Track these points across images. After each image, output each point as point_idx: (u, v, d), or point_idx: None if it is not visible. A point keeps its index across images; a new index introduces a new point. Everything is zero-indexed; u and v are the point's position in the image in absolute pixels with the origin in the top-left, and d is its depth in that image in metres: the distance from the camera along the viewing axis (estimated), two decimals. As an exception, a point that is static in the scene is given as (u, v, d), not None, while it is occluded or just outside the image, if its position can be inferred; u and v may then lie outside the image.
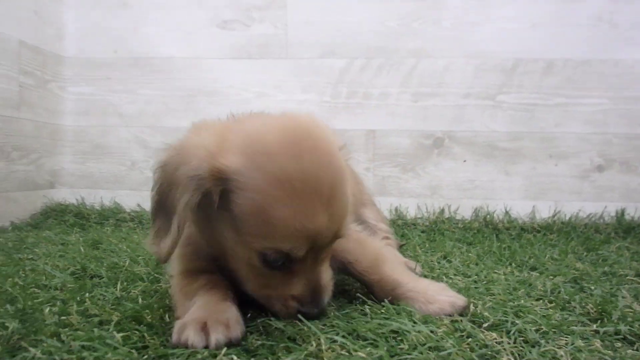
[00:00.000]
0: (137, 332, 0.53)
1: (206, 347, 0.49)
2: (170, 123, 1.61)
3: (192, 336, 0.50)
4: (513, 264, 0.95)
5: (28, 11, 1.47)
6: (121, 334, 0.51)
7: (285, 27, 1.57)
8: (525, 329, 0.54)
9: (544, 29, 1.51)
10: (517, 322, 0.56)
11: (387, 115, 1.56)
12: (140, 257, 0.95)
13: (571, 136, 1.52)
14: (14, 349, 0.50)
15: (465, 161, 1.55)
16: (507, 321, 0.56)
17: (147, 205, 1.61)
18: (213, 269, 0.63)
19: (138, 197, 1.62)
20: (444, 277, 0.83)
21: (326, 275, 0.59)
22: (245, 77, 1.59)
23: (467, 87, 1.53)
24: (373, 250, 0.68)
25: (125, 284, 0.75)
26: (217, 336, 0.50)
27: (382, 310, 0.60)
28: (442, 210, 1.52)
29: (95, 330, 0.53)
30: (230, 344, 0.50)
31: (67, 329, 0.54)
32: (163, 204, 0.56)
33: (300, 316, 0.56)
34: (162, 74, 1.61)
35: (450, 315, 0.59)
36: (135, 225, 1.46)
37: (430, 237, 1.30)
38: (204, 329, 0.51)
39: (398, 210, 1.53)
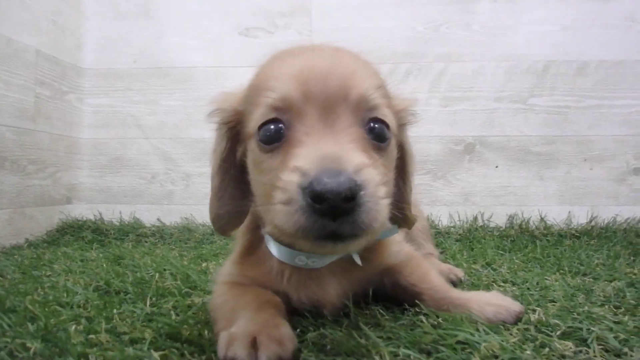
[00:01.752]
0: (175, 350, 0.48)
1: None
2: (192, 134, 1.57)
3: (240, 352, 0.43)
4: (561, 270, 0.91)
5: (46, 20, 1.43)
6: (159, 353, 0.46)
7: (310, 33, 1.54)
8: (605, 336, 0.49)
9: (576, 30, 1.48)
10: (592, 329, 0.51)
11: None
12: (167, 271, 0.89)
13: (606, 139, 1.48)
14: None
15: (497, 167, 1.50)
16: (580, 329, 0.52)
17: (168, 219, 1.56)
18: (266, 280, 0.58)
19: (158, 212, 1.57)
20: (493, 284, 0.79)
21: (356, 155, 0.42)
22: (269, 85, 1.55)
23: (498, 90, 1.50)
24: (423, 262, 0.66)
25: (154, 299, 0.69)
26: (267, 353, 0.43)
27: (440, 320, 0.54)
28: (475, 218, 1.47)
29: (129, 349, 0.47)
30: None
31: (95, 349, 0.48)
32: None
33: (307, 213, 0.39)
34: (184, 84, 1.57)
35: (506, 322, 0.55)
36: (157, 241, 1.40)
37: (467, 246, 1.24)
38: (254, 344, 0.44)
39: (430, 219, 1.48)
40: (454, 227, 1.44)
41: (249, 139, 0.50)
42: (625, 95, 1.47)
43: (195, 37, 1.57)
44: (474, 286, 0.79)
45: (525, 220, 1.43)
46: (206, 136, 1.62)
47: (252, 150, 0.49)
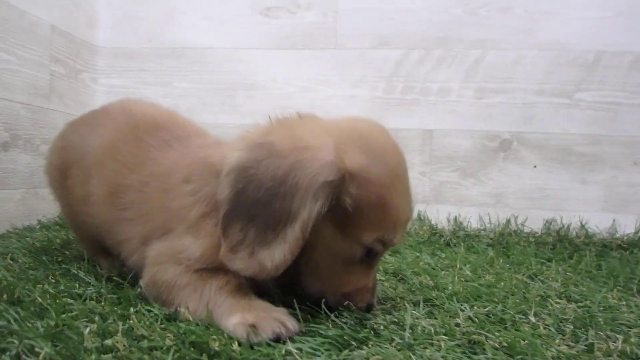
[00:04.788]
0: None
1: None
2: (205, 119, 1.49)
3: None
4: (619, 287, 0.80)
5: (60, -6, 1.37)
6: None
7: (335, 14, 1.43)
8: None
9: (632, 18, 1.32)
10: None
11: (447, 113, 1.39)
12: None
13: (661, 141, 1.32)
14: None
15: (535, 167, 1.37)
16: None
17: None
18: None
19: (170, 198, 1.50)
20: (548, 300, 0.69)
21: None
22: (289, 70, 1.45)
23: (539, 82, 1.36)
24: None
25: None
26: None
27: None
28: (508, 221, 1.34)
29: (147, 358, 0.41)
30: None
31: (110, 355, 0.43)
32: (249, 211, 0.51)
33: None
34: (198, 66, 1.49)
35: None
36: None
37: (501, 252, 1.13)
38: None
39: (457, 220, 1.36)
40: (484, 230, 1.31)
41: (350, 235, 0.55)
42: (686, 92, 1.31)
43: (211, 17, 1.48)
44: (526, 301, 0.69)
45: (565, 227, 1.30)
46: (220, 121, 1.54)
47: (353, 252, 0.56)
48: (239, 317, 0.49)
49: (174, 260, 0.57)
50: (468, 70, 1.38)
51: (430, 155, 1.40)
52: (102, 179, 0.71)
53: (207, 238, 0.56)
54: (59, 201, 0.86)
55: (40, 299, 0.58)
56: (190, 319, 0.52)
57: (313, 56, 1.44)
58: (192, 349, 0.44)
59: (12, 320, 0.49)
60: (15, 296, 0.59)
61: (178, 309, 0.54)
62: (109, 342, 0.45)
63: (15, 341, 0.44)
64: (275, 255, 0.50)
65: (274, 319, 0.49)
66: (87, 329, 0.48)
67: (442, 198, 1.39)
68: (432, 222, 1.34)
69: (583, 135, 1.35)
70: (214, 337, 0.47)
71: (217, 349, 0.44)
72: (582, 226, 1.31)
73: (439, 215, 1.37)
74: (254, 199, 0.51)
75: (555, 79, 1.35)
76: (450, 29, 1.39)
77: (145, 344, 0.45)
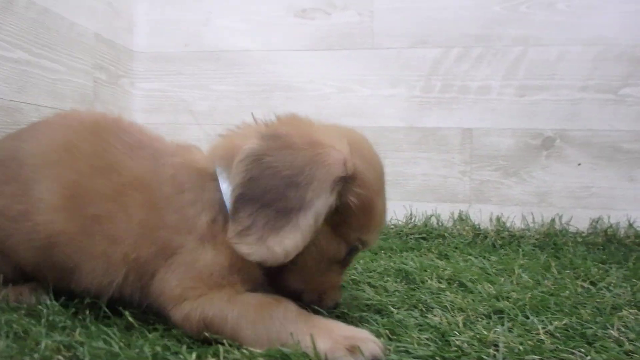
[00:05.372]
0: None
1: None
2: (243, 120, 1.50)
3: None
4: None
5: (102, 2, 1.39)
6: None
7: (371, 14, 1.42)
8: None
9: (682, 9, 1.28)
10: None
11: (487, 111, 1.37)
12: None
13: None
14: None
15: (579, 164, 1.33)
16: None
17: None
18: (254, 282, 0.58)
19: (207, 200, 1.51)
20: (622, 310, 0.65)
21: None
22: (325, 71, 1.45)
23: (584, 79, 1.32)
24: None
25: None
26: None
27: None
28: (553, 221, 1.31)
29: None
30: None
31: None
32: (262, 197, 0.51)
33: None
34: (236, 69, 1.50)
35: None
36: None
37: (551, 253, 1.10)
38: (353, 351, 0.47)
39: (500, 219, 1.34)
40: (528, 230, 1.29)
41: (341, 235, 0.57)
42: None
43: (246, 20, 1.49)
44: (599, 312, 0.66)
45: (613, 227, 1.26)
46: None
47: (339, 251, 0.58)
48: (328, 340, 0.47)
49: (206, 286, 0.53)
50: (509, 67, 1.36)
51: (471, 154, 1.38)
52: (56, 181, 0.60)
53: (225, 245, 0.53)
54: None
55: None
56: (260, 350, 0.49)
57: (349, 56, 1.44)
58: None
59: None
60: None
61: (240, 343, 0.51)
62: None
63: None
64: (286, 242, 0.49)
65: (364, 339, 0.48)
66: None
67: (483, 197, 1.37)
68: (475, 223, 1.32)
69: (630, 132, 1.31)
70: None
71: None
72: (631, 225, 1.28)
73: (482, 215, 1.35)
74: (268, 186, 0.50)
75: (600, 74, 1.32)
76: (489, 27, 1.37)
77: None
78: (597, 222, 1.30)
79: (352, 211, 0.54)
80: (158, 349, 0.49)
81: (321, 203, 0.50)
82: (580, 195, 1.34)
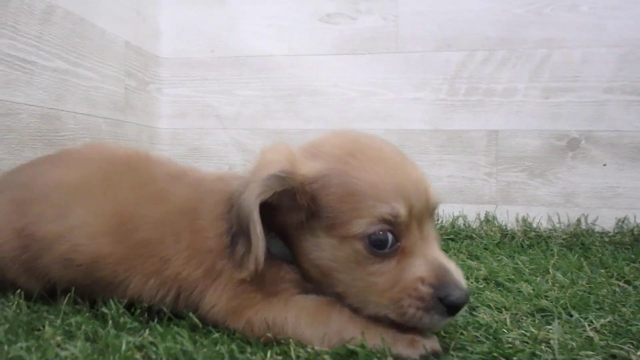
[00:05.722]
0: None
1: None
2: (269, 125, 1.52)
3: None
4: None
5: (130, 10, 1.42)
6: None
7: (395, 18, 1.44)
8: None
9: None
10: None
11: (513, 113, 1.39)
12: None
13: None
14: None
15: (605, 165, 1.35)
16: None
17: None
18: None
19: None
20: None
21: (448, 259, 0.54)
22: (350, 75, 1.47)
23: (608, 80, 1.34)
24: None
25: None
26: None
27: None
28: (579, 221, 1.33)
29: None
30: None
31: None
32: (238, 230, 0.55)
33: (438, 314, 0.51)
34: (261, 74, 1.52)
35: None
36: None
37: (581, 253, 1.11)
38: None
39: (526, 220, 1.35)
40: (554, 230, 1.30)
41: (344, 236, 0.53)
42: None
43: (271, 25, 1.51)
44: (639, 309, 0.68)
45: (639, 226, 1.28)
46: (283, 127, 1.57)
47: (356, 251, 0.53)
48: (389, 337, 0.51)
49: (261, 295, 0.57)
50: (534, 70, 1.37)
51: (497, 156, 1.40)
52: (99, 209, 0.64)
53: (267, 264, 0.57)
54: None
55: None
56: (325, 349, 0.52)
57: (374, 60, 1.46)
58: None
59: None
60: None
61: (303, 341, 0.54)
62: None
63: None
64: (253, 255, 0.53)
65: (422, 336, 0.52)
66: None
67: (510, 199, 1.39)
68: (501, 223, 1.34)
69: (655, 132, 1.33)
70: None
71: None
72: (657, 225, 1.29)
73: (508, 216, 1.36)
74: (238, 218, 0.55)
75: (624, 76, 1.33)
76: (513, 29, 1.38)
77: None
78: (623, 221, 1.31)
79: (333, 206, 0.53)
80: (233, 346, 0.52)
81: (253, 200, 0.52)
82: (606, 196, 1.35)
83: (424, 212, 0.54)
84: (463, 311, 0.53)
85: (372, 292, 0.53)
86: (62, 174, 0.69)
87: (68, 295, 0.65)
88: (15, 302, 0.64)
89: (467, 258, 1.07)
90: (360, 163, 0.54)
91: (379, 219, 0.51)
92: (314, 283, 0.57)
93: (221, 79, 1.55)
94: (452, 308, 0.50)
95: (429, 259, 0.52)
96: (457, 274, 0.52)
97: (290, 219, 0.56)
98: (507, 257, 1.05)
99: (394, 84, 1.45)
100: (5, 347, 0.50)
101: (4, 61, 0.96)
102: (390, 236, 0.52)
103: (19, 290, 0.66)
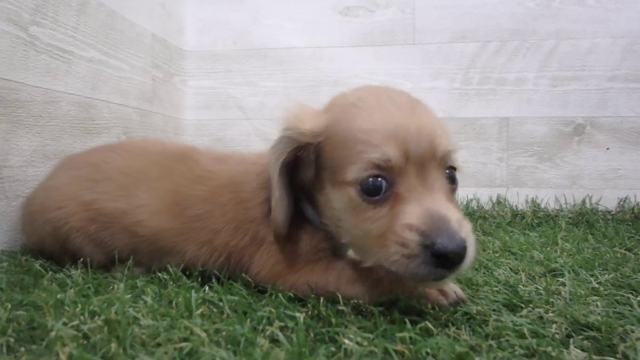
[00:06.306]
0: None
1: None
2: (291, 115, 1.59)
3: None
4: None
5: (156, 3, 1.47)
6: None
7: (412, 11, 1.51)
8: None
9: None
10: None
11: (523, 101, 1.48)
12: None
13: None
14: None
15: (608, 149, 1.45)
16: None
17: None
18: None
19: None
20: None
21: (453, 211, 0.50)
22: (370, 66, 1.54)
23: (612, 69, 1.43)
24: None
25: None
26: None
27: None
28: (584, 202, 1.44)
29: None
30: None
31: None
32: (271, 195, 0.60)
33: (427, 267, 0.47)
34: (283, 65, 1.59)
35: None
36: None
37: (586, 229, 1.22)
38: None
39: (535, 202, 1.46)
40: (561, 210, 1.41)
41: (341, 183, 0.55)
42: None
43: (292, 18, 1.57)
44: (639, 267, 0.78)
45: (639, 205, 1.39)
46: (307, 117, 1.62)
47: (350, 197, 0.54)
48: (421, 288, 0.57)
49: (303, 262, 0.62)
50: (543, 60, 1.46)
51: (507, 142, 1.49)
52: (159, 191, 0.72)
53: (304, 231, 0.63)
54: (70, 217, 0.75)
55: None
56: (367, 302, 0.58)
57: (393, 52, 1.53)
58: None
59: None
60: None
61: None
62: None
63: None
64: (275, 212, 0.59)
65: (451, 287, 0.60)
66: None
67: (520, 182, 1.49)
68: (512, 205, 1.44)
69: (655, 118, 1.43)
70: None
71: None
72: (655, 203, 1.40)
73: (519, 198, 1.47)
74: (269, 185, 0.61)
75: (628, 65, 1.42)
76: (524, 22, 1.46)
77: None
78: (624, 201, 1.42)
79: (333, 154, 0.55)
80: (287, 297, 0.59)
81: (275, 163, 0.58)
82: (609, 177, 1.46)
83: (427, 159, 0.52)
84: (464, 266, 0.48)
85: (368, 239, 0.52)
86: (127, 162, 0.78)
87: (128, 263, 0.73)
88: (80, 268, 0.72)
89: (482, 235, 1.16)
90: (359, 111, 0.55)
91: (369, 165, 0.51)
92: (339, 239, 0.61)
93: (244, 71, 1.61)
94: (441, 258, 0.46)
95: (425, 206, 0.49)
96: (456, 224, 0.48)
97: (305, 176, 0.60)
98: (518, 233, 1.15)
99: (412, 74, 1.52)
100: (79, 306, 0.53)
101: (46, 50, 1.00)
102: (383, 182, 0.51)
103: (81, 259, 0.75)
